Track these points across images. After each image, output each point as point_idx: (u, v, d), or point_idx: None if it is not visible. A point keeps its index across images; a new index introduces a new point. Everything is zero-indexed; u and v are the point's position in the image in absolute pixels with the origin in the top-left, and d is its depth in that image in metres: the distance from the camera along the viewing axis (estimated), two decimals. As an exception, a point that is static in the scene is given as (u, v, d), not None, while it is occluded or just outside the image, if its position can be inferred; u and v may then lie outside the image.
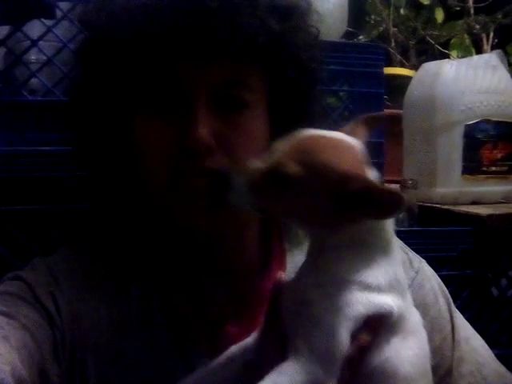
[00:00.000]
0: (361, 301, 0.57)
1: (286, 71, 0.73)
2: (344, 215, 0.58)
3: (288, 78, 0.74)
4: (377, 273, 0.59)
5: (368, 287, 0.58)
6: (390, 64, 1.89)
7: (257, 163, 0.61)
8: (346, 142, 0.61)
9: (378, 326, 0.57)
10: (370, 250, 0.60)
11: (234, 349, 0.66)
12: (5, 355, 0.58)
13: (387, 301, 0.58)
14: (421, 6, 1.91)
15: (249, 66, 0.70)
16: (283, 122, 0.74)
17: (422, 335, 0.62)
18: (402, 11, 1.94)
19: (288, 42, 0.72)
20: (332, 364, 0.55)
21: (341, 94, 1.17)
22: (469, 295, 1.25)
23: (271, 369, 0.55)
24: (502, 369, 0.81)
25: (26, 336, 0.63)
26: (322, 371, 0.54)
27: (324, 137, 0.60)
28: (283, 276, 0.66)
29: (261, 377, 0.55)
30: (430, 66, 1.41)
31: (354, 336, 0.56)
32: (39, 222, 0.96)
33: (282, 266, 0.79)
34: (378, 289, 0.58)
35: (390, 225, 0.61)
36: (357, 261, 0.59)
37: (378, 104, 1.16)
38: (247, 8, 0.67)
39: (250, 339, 0.66)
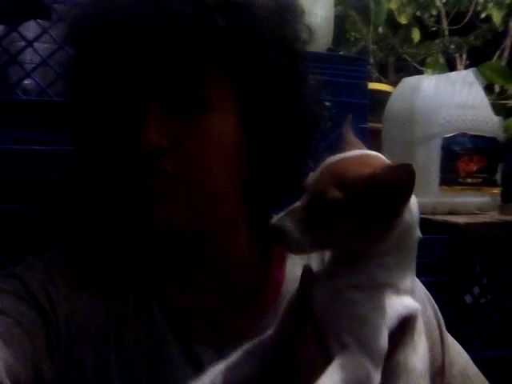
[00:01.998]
0: (398, 303, 0.62)
1: (249, 71, 0.70)
2: (387, 219, 0.62)
3: (253, 79, 0.71)
4: (407, 276, 0.63)
5: (402, 290, 0.63)
6: (369, 80, 1.94)
7: (296, 204, 0.63)
8: (370, 155, 0.65)
9: (409, 325, 0.62)
10: (405, 252, 0.64)
11: (250, 345, 0.68)
12: None
13: (414, 302, 0.63)
14: (398, 26, 1.98)
15: (206, 66, 0.68)
16: (257, 124, 0.73)
17: (424, 334, 0.67)
18: (380, 30, 2.00)
19: (246, 40, 0.68)
20: (379, 358, 0.60)
21: (326, 103, 1.21)
22: (445, 301, 1.28)
23: (302, 359, 0.60)
24: (477, 370, 0.85)
25: (20, 333, 0.63)
26: (371, 365, 0.59)
27: (350, 155, 0.64)
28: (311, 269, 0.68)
29: (284, 370, 0.61)
30: (409, 81, 1.47)
31: (390, 334, 0.61)
32: (30, 220, 0.96)
33: (282, 262, 0.80)
34: (408, 291, 0.63)
35: (417, 222, 0.65)
36: (394, 265, 0.63)
37: (363, 114, 1.20)
38: (191, 4, 0.65)
39: (265, 335, 0.68)
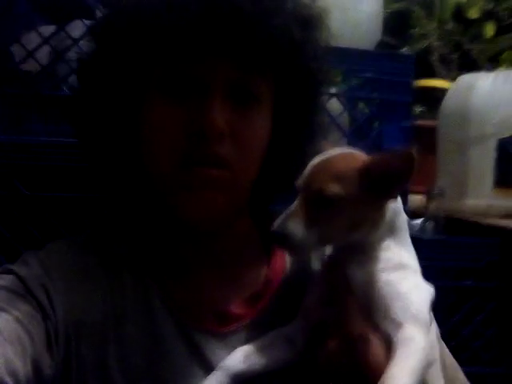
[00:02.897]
0: (422, 281, 0.67)
1: (294, 78, 0.75)
2: (383, 204, 0.67)
3: (295, 85, 0.75)
4: (412, 255, 0.69)
5: (415, 270, 0.68)
6: (434, 77, 1.88)
7: (292, 206, 0.66)
8: (353, 152, 0.69)
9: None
10: (400, 234, 0.69)
11: (277, 331, 0.70)
12: None
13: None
14: (469, 21, 1.90)
15: (264, 66, 0.71)
16: (282, 125, 0.76)
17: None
18: (450, 25, 1.92)
19: (303, 51, 0.73)
20: (428, 331, 0.64)
21: (369, 101, 1.19)
22: (494, 308, 1.23)
23: (356, 337, 0.63)
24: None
25: (19, 329, 0.63)
26: (426, 337, 0.63)
27: (335, 154, 0.68)
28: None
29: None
30: (465, 79, 1.41)
31: None
32: (73, 209, 1.01)
33: (283, 252, 0.80)
34: (419, 271, 0.68)
35: (401, 205, 0.70)
36: (395, 246, 0.68)
37: (406, 112, 1.17)
38: (276, 12, 0.69)
39: (291, 325, 0.70)
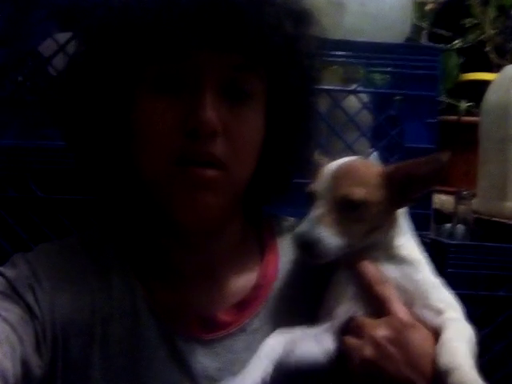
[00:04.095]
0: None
1: (287, 74, 0.73)
2: (405, 205, 0.72)
3: (287, 82, 0.74)
4: (421, 251, 0.73)
5: (426, 263, 0.72)
6: (491, 70, 1.76)
7: (315, 211, 0.68)
8: (365, 160, 0.76)
9: None
10: (407, 230, 0.73)
11: (301, 332, 0.70)
12: None
13: None
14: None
15: (257, 62, 0.71)
16: (275, 123, 0.75)
17: None
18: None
19: (296, 47, 0.72)
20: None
21: (392, 97, 1.13)
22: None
23: (404, 325, 0.65)
24: None
25: (7, 329, 0.64)
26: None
27: (351, 161, 0.72)
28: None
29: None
30: (508, 70, 1.30)
31: None
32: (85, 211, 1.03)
33: (275, 257, 0.79)
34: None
35: None
36: (410, 242, 0.73)
37: (431, 108, 1.10)
38: (269, 7, 0.68)
39: (318, 326, 0.70)
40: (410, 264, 0.71)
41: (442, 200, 1.26)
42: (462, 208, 1.11)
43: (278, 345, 0.67)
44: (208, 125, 0.66)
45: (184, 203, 0.69)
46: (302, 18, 0.74)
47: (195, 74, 0.68)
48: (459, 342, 0.62)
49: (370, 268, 0.69)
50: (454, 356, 0.60)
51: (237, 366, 0.70)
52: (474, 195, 1.19)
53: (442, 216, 1.21)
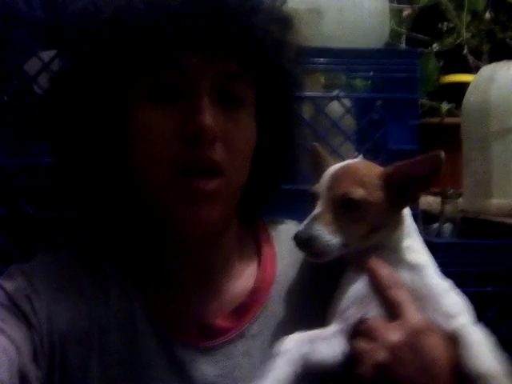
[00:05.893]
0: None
1: (274, 80, 0.75)
2: (405, 205, 0.72)
3: (274, 87, 0.76)
4: (428, 254, 0.73)
5: (433, 265, 0.72)
6: (469, 71, 1.80)
7: (315, 211, 0.68)
8: (366, 161, 0.75)
9: None
10: (413, 232, 0.73)
11: (313, 334, 0.68)
12: None
13: None
14: (500, 8, 1.79)
15: (248, 67, 0.72)
16: (265, 128, 0.76)
17: None
18: (486, 15, 1.82)
19: (283, 52, 0.74)
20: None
21: (373, 101, 1.15)
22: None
23: (420, 328, 0.63)
24: None
25: (5, 340, 0.64)
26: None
27: (352, 162, 0.74)
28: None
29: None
30: (486, 70, 1.33)
31: None
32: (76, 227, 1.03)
33: (272, 262, 0.79)
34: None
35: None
36: (416, 243, 0.73)
37: (413, 109, 1.12)
38: (259, 12, 0.70)
39: (325, 330, 0.69)
40: (419, 267, 0.70)
41: (429, 201, 1.28)
42: (448, 207, 1.13)
43: (296, 348, 0.66)
44: (208, 130, 0.66)
45: (187, 217, 0.69)
46: (287, 24, 0.75)
47: (189, 81, 0.68)
48: (484, 346, 0.62)
49: (383, 270, 0.68)
50: (483, 360, 0.60)
51: (236, 371, 0.70)
52: (459, 194, 1.21)
53: (430, 216, 1.22)
